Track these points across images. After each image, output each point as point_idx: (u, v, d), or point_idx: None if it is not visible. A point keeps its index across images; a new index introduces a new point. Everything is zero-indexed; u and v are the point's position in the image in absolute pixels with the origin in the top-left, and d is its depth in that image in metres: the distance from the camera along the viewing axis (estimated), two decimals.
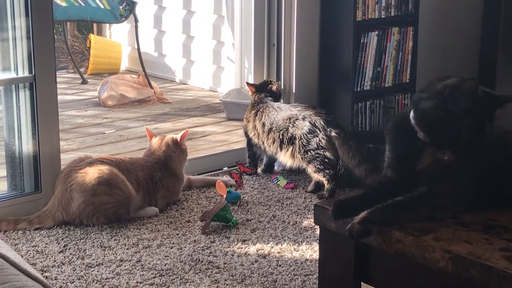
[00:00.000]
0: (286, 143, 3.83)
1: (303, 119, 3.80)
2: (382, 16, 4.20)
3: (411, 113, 2.00)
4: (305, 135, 3.77)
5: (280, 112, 3.89)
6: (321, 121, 3.77)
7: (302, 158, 3.79)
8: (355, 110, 4.22)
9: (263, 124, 3.92)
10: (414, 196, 1.93)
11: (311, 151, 3.75)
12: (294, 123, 3.81)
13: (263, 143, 3.93)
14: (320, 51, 4.29)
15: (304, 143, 3.77)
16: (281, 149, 3.86)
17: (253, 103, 4.05)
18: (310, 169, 3.78)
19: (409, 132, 2.00)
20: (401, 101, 4.34)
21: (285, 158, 3.87)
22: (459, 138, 1.90)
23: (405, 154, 2.01)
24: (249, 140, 4.06)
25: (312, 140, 3.75)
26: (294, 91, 4.23)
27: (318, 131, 3.74)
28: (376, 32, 4.19)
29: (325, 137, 3.72)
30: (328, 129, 3.73)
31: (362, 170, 3.62)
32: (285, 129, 3.82)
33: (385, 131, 2.13)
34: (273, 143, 3.88)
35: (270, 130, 3.88)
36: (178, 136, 3.71)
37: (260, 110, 3.97)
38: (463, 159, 1.93)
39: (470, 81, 1.95)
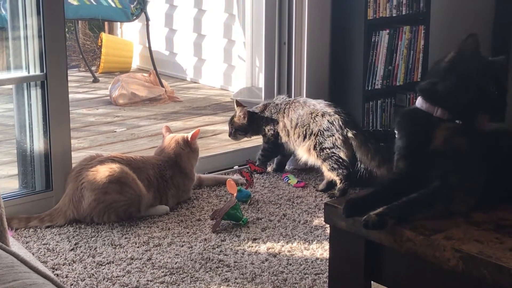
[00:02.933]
0: (307, 137, 3.82)
1: (322, 116, 3.80)
2: (394, 15, 4.19)
3: (419, 100, 2.02)
4: (321, 132, 3.76)
5: (305, 107, 3.88)
6: (339, 121, 3.75)
7: (317, 155, 3.79)
8: (366, 109, 4.21)
9: (291, 120, 3.90)
10: (429, 191, 1.93)
11: (326, 149, 3.75)
12: (315, 118, 3.80)
13: (291, 137, 3.90)
14: (331, 49, 4.28)
15: (320, 140, 3.77)
16: (302, 143, 3.85)
17: (273, 107, 4.01)
18: (325, 167, 3.78)
19: (419, 120, 2.01)
20: (412, 100, 4.33)
21: (302, 152, 3.86)
22: (482, 106, 1.92)
23: (416, 139, 2.01)
24: (273, 142, 4.01)
25: (328, 138, 3.74)
26: (305, 90, 4.23)
27: (335, 130, 3.73)
28: (388, 31, 4.18)
29: (341, 137, 3.71)
30: (345, 130, 3.72)
31: (384, 170, 3.58)
32: (308, 125, 3.82)
33: (395, 122, 2.13)
34: (298, 137, 3.87)
35: (296, 125, 3.87)
36: (189, 135, 3.71)
37: (288, 107, 3.94)
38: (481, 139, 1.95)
39: (468, 38, 1.97)
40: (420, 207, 1.92)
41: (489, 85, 1.95)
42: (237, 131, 4.06)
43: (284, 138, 3.95)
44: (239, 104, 4.09)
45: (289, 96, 4.15)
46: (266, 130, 4.00)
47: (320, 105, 3.86)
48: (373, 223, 1.87)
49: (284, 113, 3.94)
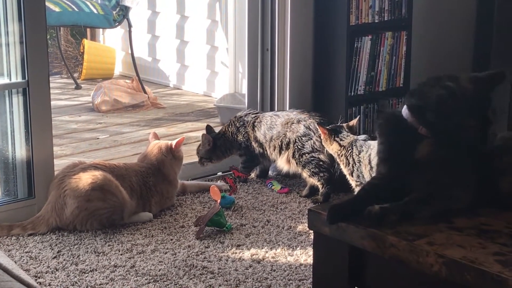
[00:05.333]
0: (284, 148, 3.83)
1: (298, 122, 3.82)
2: (376, 21, 4.21)
3: (405, 111, 2.02)
4: (299, 138, 3.78)
5: (278, 118, 3.89)
6: (315, 123, 3.78)
7: (297, 163, 3.80)
8: (349, 115, 4.22)
9: (264, 134, 3.91)
10: (427, 191, 1.94)
11: (306, 155, 3.76)
12: (291, 126, 3.82)
13: (266, 151, 3.92)
14: (313, 55, 4.29)
15: (299, 147, 3.78)
16: (280, 155, 3.87)
17: (236, 120, 4.03)
18: (305, 173, 3.79)
19: (402, 129, 2.02)
20: (395, 105, 4.35)
21: (281, 163, 3.87)
22: (463, 137, 1.94)
23: (398, 144, 2.02)
24: (249, 153, 4.02)
25: (306, 143, 3.76)
26: (288, 96, 4.24)
27: (312, 134, 3.75)
28: (370, 37, 4.20)
29: (319, 139, 3.72)
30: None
31: None
32: (284, 135, 3.83)
33: (376, 125, 2.14)
34: (274, 150, 3.88)
35: (271, 138, 3.88)
36: (173, 143, 3.70)
37: (257, 120, 3.96)
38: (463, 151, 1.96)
39: (453, 86, 1.96)
40: (422, 205, 1.93)
41: (470, 131, 1.96)
42: (202, 159, 4.04)
43: (257, 150, 3.96)
44: (208, 129, 4.08)
45: (255, 109, 4.16)
46: (239, 144, 4.00)
47: (293, 113, 3.89)
48: (376, 214, 1.88)
49: (254, 126, 3.95)
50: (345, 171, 3.55)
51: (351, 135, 3.57)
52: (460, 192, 1.96)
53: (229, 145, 4.03)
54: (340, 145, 3.53)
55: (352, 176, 3.51)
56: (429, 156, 1.97)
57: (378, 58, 4.25)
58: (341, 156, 3.53)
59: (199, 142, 4.12)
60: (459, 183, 1.96)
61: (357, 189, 3.52)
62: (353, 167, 3.48)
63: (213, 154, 4.03)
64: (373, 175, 3.30)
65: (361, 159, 3.44)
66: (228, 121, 4.10)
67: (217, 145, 4.01)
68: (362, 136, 3.57)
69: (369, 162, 3.41)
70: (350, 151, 3.49)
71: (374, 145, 3.44)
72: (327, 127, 3.59)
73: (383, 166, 2.05)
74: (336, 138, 3.54)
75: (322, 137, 3.60)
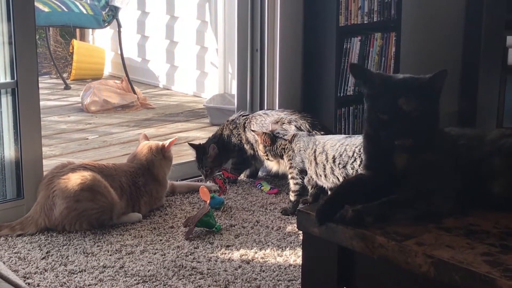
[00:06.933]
0: None
1: (289, 122, 3.82)
2: (365, 22, 4.22)
3: None
4: None
5: (267, 117, 3.90)
6: (307, 125, 3.78)
7: (286, 163, 3.80)
8: (338, 116, 4.23)
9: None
10: (408, 194, 1.94)
11: None
12: (281, 126, 3.82)
13: (257, 151, 3.93)
14: (303, 56, 4.30)
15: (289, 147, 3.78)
16: None
17: (230, 123, 4.05)
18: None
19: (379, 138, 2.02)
20: None
21: (270, 163, 3.87)
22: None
23: (378, 153, 2.03)
24: (240, 155, 4.03)
25: None
26: (277, 97, 4.24)
27: None
28: (359, 38, 4.21)
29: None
30: (313, 132, 3.75)
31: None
32: None
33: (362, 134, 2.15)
34: None
35: None
36: (165, 143, 3.71)
37: (247, 121, 3.97)
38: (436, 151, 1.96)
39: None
40: (400, 208, 1.93)
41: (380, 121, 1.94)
42: (214, 168, 4.01)
43: (249, 151, 3.96)
44: (194, 145, 4.06)
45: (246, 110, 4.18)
46: (233, 146, 4.02)
47: (283, 113, 3.89)
48: (350, 218, 1.87)
49: (245, 127, 3.96)
50: (288, 165, 3.63)
51: (290, 131, 3.70)
52: (439, 199, 1.95)
53: (227, 145, 4.03)
54: (285, 140, 3.62)
55: (292, 167, 3.60)
56: (408, 166, 1.97)
57: (367, 59, 4.26)
58: (288, 150, 3.62)
59: (188, 142, 4.13)
60: (442, 190, 1.96)
61: (292, 183, 3.64)
62: (292, 158, 3.59)
63: (226, 153, 4.02)
64: (318, 171, 3.44)
65: (307, 155, 3.52)
66: (221, 125, 4.10)
67: (219, 144, 4.00)
68: (305, 132, 3.65)
69: (315, 159, 3.47)
70: (297, 143, 3.59)
71: (320, 140, 3.51)
72: (263, 132, 3.69)
73: (366, 172, 2.06)
74: (277, 136, 3.65)
75: (261, 142, 3.67)
